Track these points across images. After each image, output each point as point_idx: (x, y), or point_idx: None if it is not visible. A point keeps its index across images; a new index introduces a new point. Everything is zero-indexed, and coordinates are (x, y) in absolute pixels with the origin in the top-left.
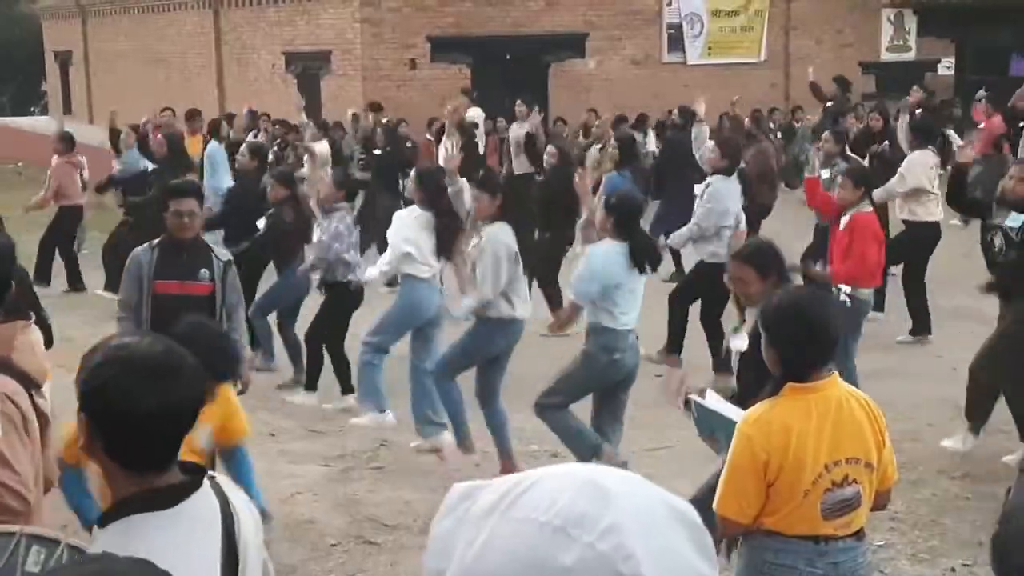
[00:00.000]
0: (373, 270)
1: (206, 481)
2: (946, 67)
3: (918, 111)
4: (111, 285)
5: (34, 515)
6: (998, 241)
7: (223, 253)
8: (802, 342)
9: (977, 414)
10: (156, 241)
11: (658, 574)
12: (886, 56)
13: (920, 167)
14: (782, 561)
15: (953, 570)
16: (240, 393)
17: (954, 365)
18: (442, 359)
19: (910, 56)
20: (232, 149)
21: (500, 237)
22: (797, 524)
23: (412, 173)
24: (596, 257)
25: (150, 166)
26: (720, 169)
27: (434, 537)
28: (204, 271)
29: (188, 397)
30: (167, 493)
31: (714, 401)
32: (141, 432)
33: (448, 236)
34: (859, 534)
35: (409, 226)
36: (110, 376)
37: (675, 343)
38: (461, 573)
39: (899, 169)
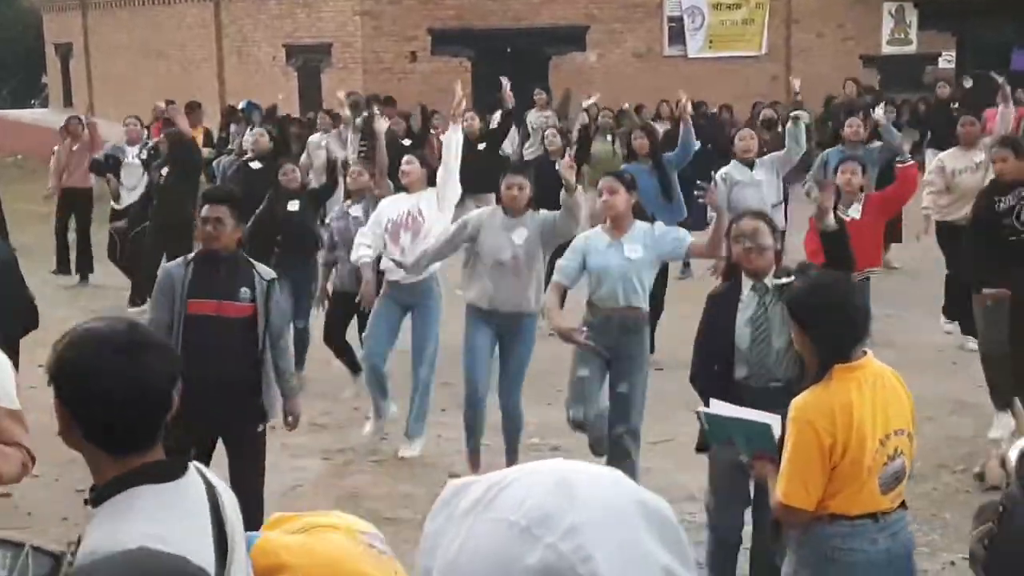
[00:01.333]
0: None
1: (191, 465)
2: (947, 61)
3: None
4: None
5: None
6: None
7: (266, 271)
8: (844, 325)
9: None
10: (191, 255)
11: (618, 575)
12: (887, 49)
13: None
14: (849, 545)
15: (953, 563)
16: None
17: (954, 359)
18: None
19: (911, 49)
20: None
21: None
22: (859, 503)
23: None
24: None
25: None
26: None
27: (425, 535)
28: (245, 290)
29: (157, 371)
30: (163, 467)
31: (725, 408)
32: (114, 410)
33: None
34: (904, 503)
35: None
36: (78, 356)
37: None
38: (443, 571)
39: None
